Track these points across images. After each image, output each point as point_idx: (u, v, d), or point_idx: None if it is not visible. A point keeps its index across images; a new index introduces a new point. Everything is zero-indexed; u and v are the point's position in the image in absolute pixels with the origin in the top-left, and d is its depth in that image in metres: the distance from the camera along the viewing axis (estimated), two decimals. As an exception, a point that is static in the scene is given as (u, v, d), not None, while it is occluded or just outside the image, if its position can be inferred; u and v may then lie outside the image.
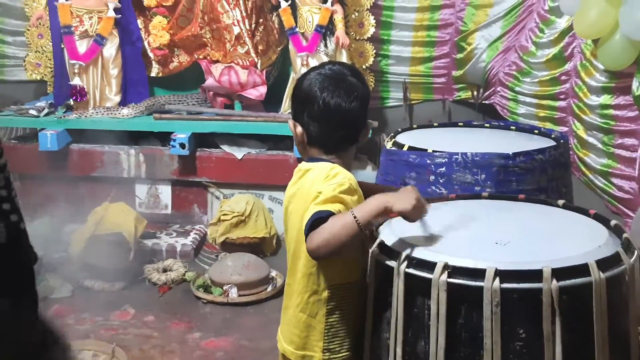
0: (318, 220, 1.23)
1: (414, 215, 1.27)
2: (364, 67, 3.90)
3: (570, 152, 3.19)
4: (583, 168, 3.13)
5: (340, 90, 1.35)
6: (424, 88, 4.19)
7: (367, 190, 1.43)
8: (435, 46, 4.08)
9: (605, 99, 2.90)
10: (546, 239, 1.39)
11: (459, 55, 3.99)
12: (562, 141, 2.04)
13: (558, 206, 1.61)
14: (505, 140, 2.12)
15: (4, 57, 3.95)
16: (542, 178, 1.87)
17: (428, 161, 1.91)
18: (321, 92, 1.35)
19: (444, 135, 2.29)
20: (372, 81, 3.99)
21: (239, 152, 3.31)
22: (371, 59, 3.90)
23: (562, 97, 3.34)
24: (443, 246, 1.29)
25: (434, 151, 1.94)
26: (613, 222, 1.44)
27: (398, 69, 4.14)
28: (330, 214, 1.24)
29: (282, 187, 3.32)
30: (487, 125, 2.37)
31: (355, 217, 1.21)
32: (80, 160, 3.24)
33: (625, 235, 1.37)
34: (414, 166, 1.95)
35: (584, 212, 1.55)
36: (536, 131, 2.22)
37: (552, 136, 2.13)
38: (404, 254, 1.26)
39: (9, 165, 0.81)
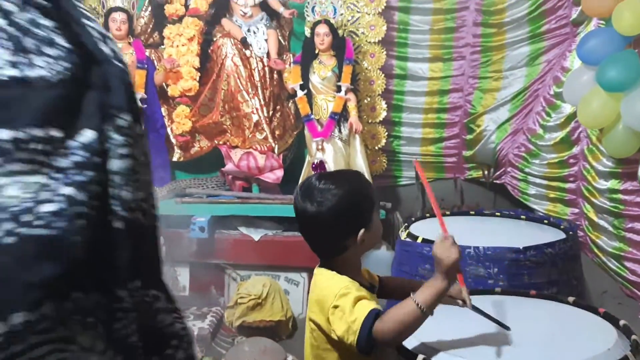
0: (371, 316, 1.25)
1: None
2: (376, 148, 4.04)
3: (583, 234, 3.25)
4: (596, 250, 3.16)
5: (307, 197, 1.34)
6: (436, 167, 4.30)
7: (397, 287, 1.51)
8: (445, 127, 4.23)
9: (613, 183, 2.97)
10: (557, 342, 1.43)
11: (469, 137, 4.12)
12: (571, 233, 2.10)
13: (569, 303, 1.65)
14: (516, 231, 2.19)
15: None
16: (553, 271, 1.92)
17: (441, 254, 1.98)
18: (295, 200, 1.39)
19: (456, 224, 2.36)
20: (384, 161, 4.12)
21: (256, 234, 3.40)
22: (383, 141, 4.04)
23: (571, 179, 3.41)
24: (459, 350, 1.34)
25: (446, 244, 2.00)
26: (622, 322, 1.49)
27: (410, 149, 4.27)
28: (377, 311, 1.27)
29: (298, 268, 3.43)
30: (498, 214, 2.44)
31: (417, 304, 1.24)
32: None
33: (634, 337, 1.41)
34: (428, 258, 2.01)
35: (593, 310, 1.59)
36: (545, 221, 2.29)
37: (562, 227, 2.20)
38: (420, 357, 1.31)
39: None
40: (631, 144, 2.64)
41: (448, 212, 2.59)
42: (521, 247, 1.92)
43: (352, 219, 1.34)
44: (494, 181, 4.05)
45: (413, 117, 4.23)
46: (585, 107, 2.70)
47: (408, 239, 2.13)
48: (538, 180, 3.65)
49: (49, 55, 0.52)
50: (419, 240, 2.08)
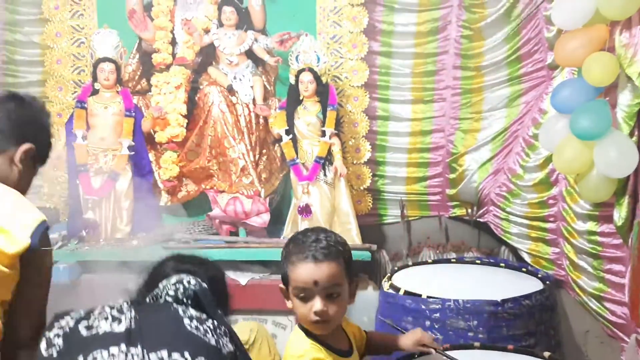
0: None
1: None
2: (362, 188, 4.11)
3: (564, 273, 3.32)
4: (577, 289, 3.22)
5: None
6: (420, 205, 4.37)
7: (379, 344, 1.55)
8: (428, 167, 4.30)
9: (590, 225, 3.05)
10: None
11: (452, 176, 4.20)
12: (547, 283, 2.17)
13: (544, 358, 1.71)
14: (495, 280, 2.25)
15: (21, 186, 4.18)
16: (531, 323, 1.98)
17: (423, 307, 2.03)
18: None
19: (438, 273, 2.42)
20: (370, 201, 4.18)
21: (243, 278, 3.43)
22: (368, 181, 4.11)
23: (551, 219, 3.49)
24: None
25: (428, 297, 2.06)
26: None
27: (395, 188, 4.34)
28: None
29: (285, 312, 3.44)
30: (478, 261, 2.51)
31: None
32: (92, 291, 3.35)
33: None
34: (410, 311, 2.06)
35: (569, 367, 1.65)
36: (524, 269, 2.35)
37: (539, 275, 2.26)
38: None
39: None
40: (605, 190, 2.73)
41: (430, 260, 2.64)
42: (499, 300, 1.98)
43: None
44: (478, 219, 4.12)
45: (397, 157, 4.31)
46: (560, 154, 2.80)
47: (391, 290, 2.19)
48: (520, 220, 3.73)
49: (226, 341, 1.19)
50: (401, 293, 2.13)
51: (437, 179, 4.31)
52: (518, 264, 2.48)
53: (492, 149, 4.06)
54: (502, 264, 2.45)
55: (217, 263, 1.52)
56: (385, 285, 2.23)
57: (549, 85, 3.65)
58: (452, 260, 2.54)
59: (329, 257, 1.40)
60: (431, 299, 2.05)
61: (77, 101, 3.54)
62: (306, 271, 1.40)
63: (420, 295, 2.07)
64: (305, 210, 3.52)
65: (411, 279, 2.25)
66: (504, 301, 1.98)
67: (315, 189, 3.57)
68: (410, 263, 2.56)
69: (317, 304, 1.39)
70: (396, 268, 2.43)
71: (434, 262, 2.61)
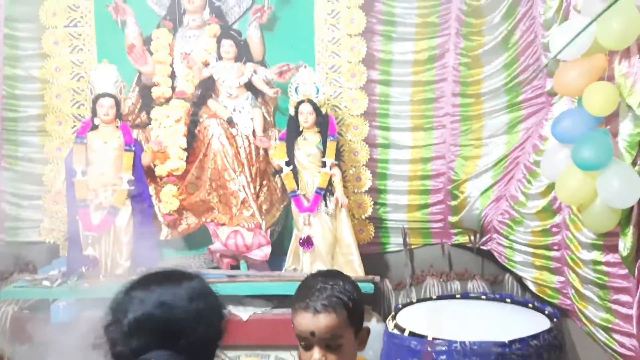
0: None
1: None
2: (363, 217, 4.08)
3: (570, 302, 3.27)
4: (584, 319, 3.17)
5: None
6: (423, 233, 4.33)
7: None
8: (430, 194, 4.28)
9: (596, 255, 3.02)
10: None
11: (454, 203, 4.18)
12: (555, 320, 2.13)
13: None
14: (501, 317, 2.21)
15: (19, 220, 4.16)
16: (539, 363, 1.94)
17: (429, 348, 1.99)
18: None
19: (443, 310, 2.38)
20: (372, 230, 4.15)
21: (244, 313, 3.39)
22: (370, 210, 4.08)
23: (555, 247, 3.46)
24: None
25: (434, 338, 2.02)
26: None
27: (396, 216, 4.31)
28: None
29: (288, 347, 3.39)
30: (484, 297, 2.47)
31: None
32: (92, 329, 3.30)
33: None
34: (416, 353, 2.02)
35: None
36: (530, 305, 2.32)
37: (546, 312, 2.23)
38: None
39: None
40: (610, 220, 2.70)
41: (435, 297, 2.61)
42: (507, 341, 1.94)
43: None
44: (481, 247, 4.08)
45: (398, 185, 4.29)
46: (562, 184, 2.77)
47: (396, 331, 2.15)
48: (523, 248, 3.69)
49: None
50: (406, 334, 2.09)
51: (438, 206, 4.28)
52: (524, 300, 2.44)
53: (493, 175, 4.04)
54: (507, 300, 2.41)
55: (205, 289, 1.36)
56: (390, 325, 2.20)
57: (548, 111, 3.65)
58: (457, 296, 2.51)
59: (328, 308, 1.38)
60: (437, 341, 2.01)
61: (77, 137, 3.53)
62: (305, 321, 1.40)
63: (425, 337, 2.04)
64: (307, 243, 3.49)
65: (416, 317, 2.21)
66: (512, 342, 1.94)
67: (316, 220, 3.54)
68: (413, 295, 2.52)
69: (316, 354, 1.38)
70: (400, 306, 2.39)
71: (439, 297, 2.57)
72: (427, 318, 2.20)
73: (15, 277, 3.97)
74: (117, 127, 3.54)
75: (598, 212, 2.71)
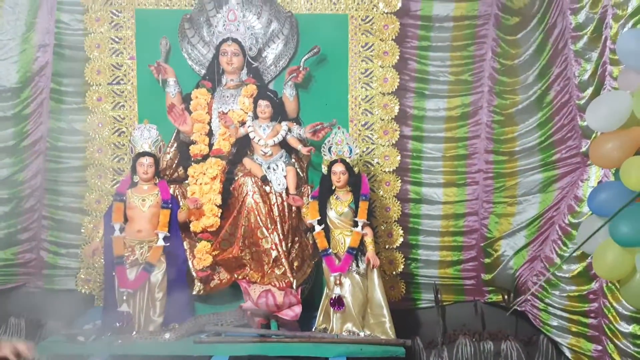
0: None
1: None
2: (394, 273, 4.06)
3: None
4: (624, 394, 3.08)
5: None
6: (455, 289, 4.29)
7: None
8: (462, 250, 4.26)
9: (635, 328, 2.94)
10: None
11: (487, 260, 4.13)
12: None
13: None
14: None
15: (56, 268, 4.26)
16: None
17: None
18: None
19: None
20: (403, 287, 4.11)
21: (274, 374, 3.37)
22: (401, 266, 4.06)
23: (592, 315, 3.38)
24: None
25: None
26: None
27: (428, 272, 4.29)
28: None
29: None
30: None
31: None
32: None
33: None
34: None
35: None
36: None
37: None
38: None
39: None
40: (650, 297, 2.63)
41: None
42: None
43: None
44: (516, 307, 4.00)
45: (430, 240, 4.28)
46: (600, 259, 2.72)
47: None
48: (559, 312, 3.61)
49: None
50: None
51: (471, 263, 4.24)
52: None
53: (527, 234, 4.00)
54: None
55: None
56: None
57: (584, 171, 3.61)
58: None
59: None
60: None
61: (117, 194, 3.64)
62: None
63: None
64: (338, 303, 3.48)
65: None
66: None
67: (347, 280, 3.54)
68: (445, 355, 2.45)
69: None
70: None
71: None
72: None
73: (51, 325, 4.06)
74: (155, 184, 3.64)
75: (638, 288, 2.64)
